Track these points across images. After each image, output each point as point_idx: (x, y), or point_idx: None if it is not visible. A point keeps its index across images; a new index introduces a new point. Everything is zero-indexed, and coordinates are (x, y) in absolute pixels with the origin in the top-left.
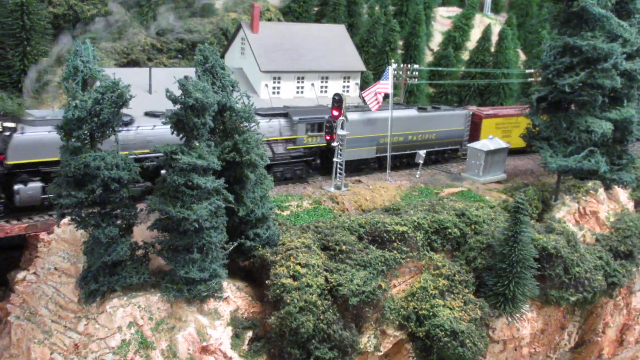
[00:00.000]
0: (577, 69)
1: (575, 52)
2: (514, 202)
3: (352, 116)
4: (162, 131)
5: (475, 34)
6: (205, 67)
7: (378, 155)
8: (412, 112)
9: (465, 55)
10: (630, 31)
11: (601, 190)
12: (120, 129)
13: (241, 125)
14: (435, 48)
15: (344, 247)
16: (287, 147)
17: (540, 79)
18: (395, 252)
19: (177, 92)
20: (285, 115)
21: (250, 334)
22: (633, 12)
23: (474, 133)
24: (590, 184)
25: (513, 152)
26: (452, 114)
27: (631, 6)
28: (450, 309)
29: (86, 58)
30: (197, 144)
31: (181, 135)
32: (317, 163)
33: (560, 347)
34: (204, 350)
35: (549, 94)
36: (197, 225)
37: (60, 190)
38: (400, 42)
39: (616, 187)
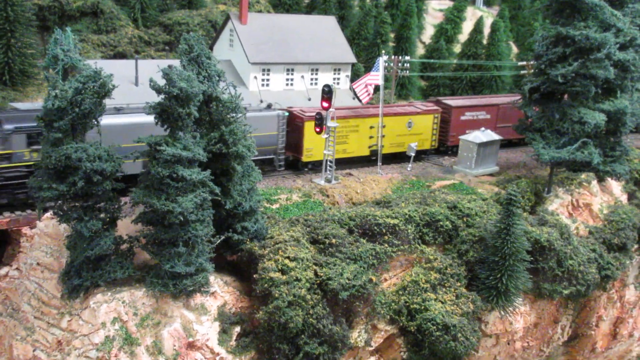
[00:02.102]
0: (569, 59)
1: (568, 42)
2: (506, 195)
3: (103, 121)
4: None
5: (467, 27)
6: (190, 57)
7: None
8: None
9: (457, 48)
10: (623, 21)
11: (594, 182)
12: None
13: (228, 116)
14: (427, 41)
15: (333, 241)
16: None
17: (532, 70)
18: (386, 245)
19: (162, 82)
20: None
21: (238, 329)
22: (626, 2)
23: (295, 139)
24: (583, 176)
25: (353, 161)
26: (257, 116)
27: None
28: (442, 302)
29: (66, 47)
30: (182, 134)
31: (165, 126)
32: None
33: (553, 340)
34: (190, 346)
35: (541, 84)
36: (182, 218)
37: (41, 183)
38: (392, 35)
39: (609, 179)
